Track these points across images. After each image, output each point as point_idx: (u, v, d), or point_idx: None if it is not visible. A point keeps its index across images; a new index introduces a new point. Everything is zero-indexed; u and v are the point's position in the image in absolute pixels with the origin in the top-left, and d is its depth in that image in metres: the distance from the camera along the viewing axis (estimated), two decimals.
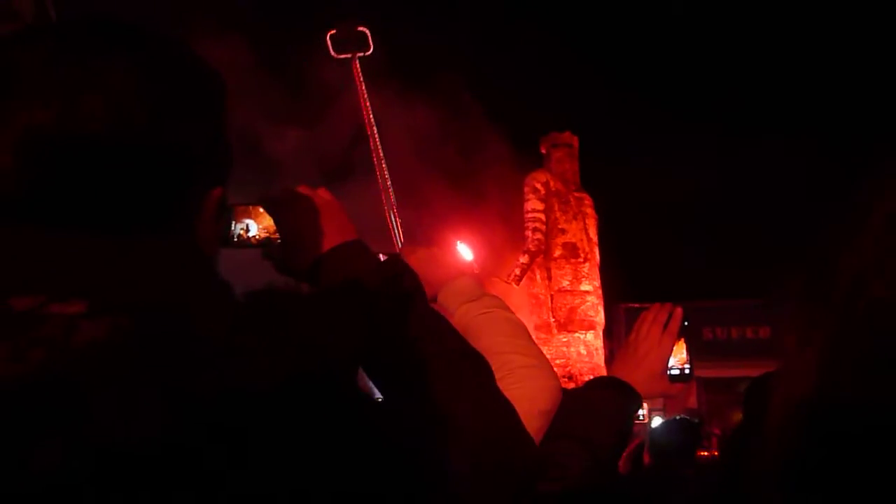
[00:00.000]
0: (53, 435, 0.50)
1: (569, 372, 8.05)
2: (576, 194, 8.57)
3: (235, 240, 0.91)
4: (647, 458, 3.18)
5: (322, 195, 0.96)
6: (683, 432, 3.11)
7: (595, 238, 8.58)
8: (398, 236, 10.55)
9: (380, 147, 10.77)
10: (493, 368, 1.03)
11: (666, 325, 1.31)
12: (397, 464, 0.62)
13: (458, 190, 10.63)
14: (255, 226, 0.93)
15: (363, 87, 10.94)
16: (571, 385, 7.71)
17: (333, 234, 0.94)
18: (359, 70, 11.03)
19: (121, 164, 0.62)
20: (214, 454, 0.53)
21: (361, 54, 11.06)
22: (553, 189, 8.47)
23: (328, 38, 11.03)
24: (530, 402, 1.00)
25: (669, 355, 1.30)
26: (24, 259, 0.59)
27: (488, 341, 1.06)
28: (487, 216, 10.08)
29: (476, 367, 0.89)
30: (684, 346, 1.32)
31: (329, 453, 0.57)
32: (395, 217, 10.48)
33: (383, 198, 10.58)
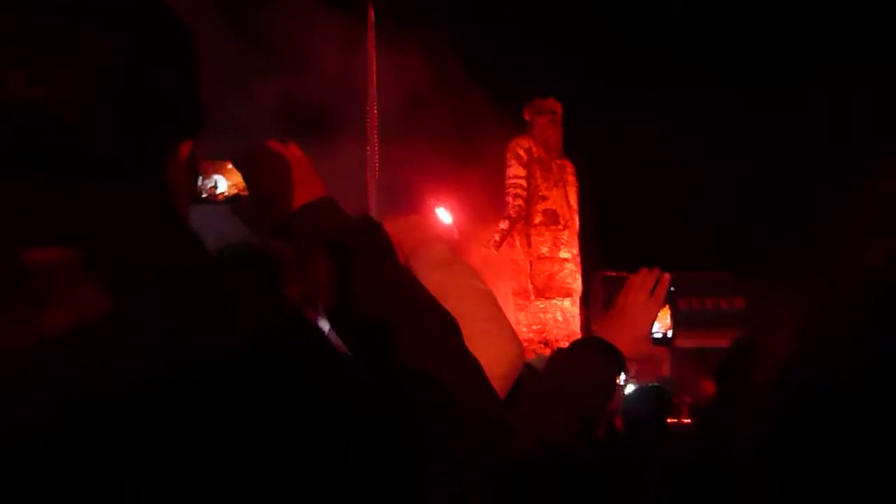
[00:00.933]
0: (48, 392, 0.51)
1: (545, 338, 8.14)
2: (558, 161, 8.58)
3: (204, 195, 0.90)
4: (618, 424, 3.25)
5: (292, 151, 0.95)
6: (655, 401, 3.17)
7: (575, 206, 8.61)
8: (373, 199, 10.48)
9: (375, 104, 10.62)
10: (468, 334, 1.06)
11: (653, 291, 1.34)
12: (369, 420, 0.63)
13: (439, 153, 10.59)
14: (225, 182, 0.91)
15: (373, 36, 10.77)
16: (548, 351, 7.80)
17: (304, 191, 0.93)
18: (372, 20, 10.85)
19: (94, 111, 0.62)
20: (193, 409, 0.53)
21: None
22: (535, 156, 8.46)
23: None
24: (492, 366, 1.01)
25: (654, 320, 1.33)
26: (7, 208, 0.59)
27: (452, 305, 1.08)
28: (468, 181, 10.06)
29: (445, 326, 0.90)
30: (668, 311, 1.35)
31: (303, 409, 0.58)
32: (374, 178, 10.41)
33: (367, 156, 10.48)
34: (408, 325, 0.86)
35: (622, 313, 1.34)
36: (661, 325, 1.35)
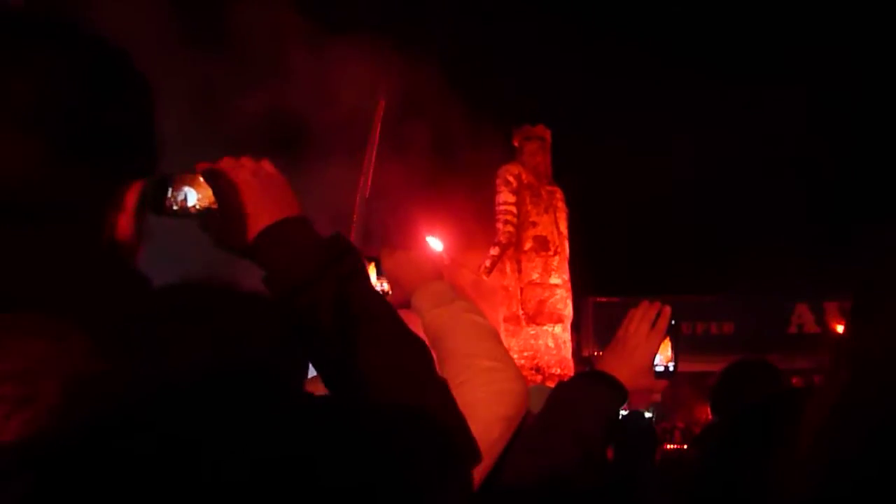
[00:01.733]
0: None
1: (536, 364, 8.12)
2: (547, 187, 8.62)
3: (175, 208, 0.87)
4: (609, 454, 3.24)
5: (265, 167, 0.92)
6: (637, 430, 3.18)
7: (565, 232, 8.64)
8: (360, 223, 10.44)
9: (378, 135, 10.58)
10: (458, 371, 1.02)
11: (654, 323, 1.34)
12: (320, 452, 0.61)
13: (429, 180, 10.63)
14: (195, 194, 0.88)
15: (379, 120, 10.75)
16: (539, 378, 7.77)
17: (275, 209, 0.89)
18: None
19: (41, 149, 0.61)
20: (129, 449, 0.52)
21: None
22: (525, 182, 8.50)
23: None
24: (494, 406, 0.99)
25: (656, 352, 1.34)
26: None
27: (454, 343, 1.06)
28: (458, 207, 10.09)
29: (414, 352, 0.87)
30: (669, 343, 1.36)
31: (243, 444, 0.55)
32: (363, 204, 10.39)
33: (360, 183, 10.45)
34: (375, 350, 0.84)
35: (623, 346, 1.34)
36: (663, 358, 1.35)
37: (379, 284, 1.20)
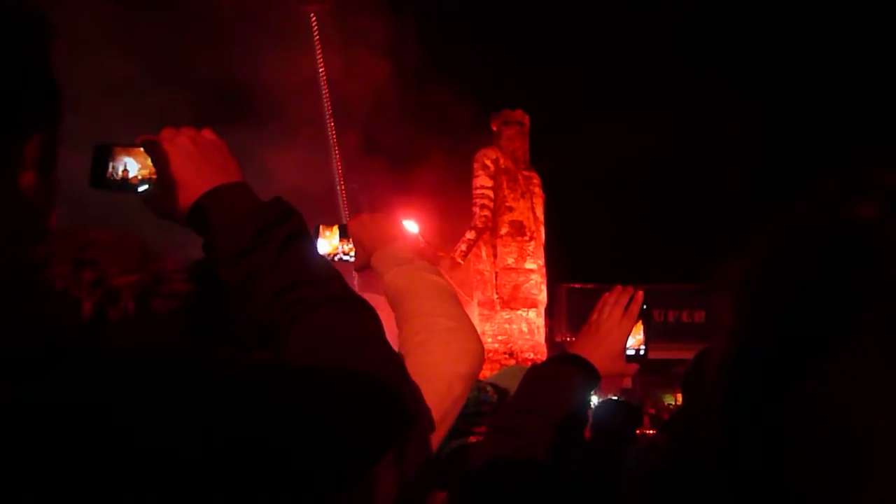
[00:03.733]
0: None
1: (510, 349, 8.16)
2: (524, 172, 8.63)
3: (115, 180, 0.86)
4: (587, 435, 3.26)
5: (205, 135, 0.91)
6: (624, 414, 3.21)
7: (541, 217, 8.66)
8: (343, 205, 10.42)
9: (330, 108, 10.56)
10: (417, 330, 1.02)
11: (626, 308, 1.36)
12: (264, 418, 0.60)
13: (406, 164, 10.60)
14: (136, 165, 0.87)
15: (319, 44, 10.73)
16: (512, 362, 7.82)
17: (214, 176, 0.88)
18: (315, 25, 10.83)
19: None
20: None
21: (320, 6, 10.90)
22: (502, 166, 8.50)
23: None
24: (452, 365, 1.00)
25: (628, 336, 1.36)
26: None
27: (413, 303, 1.06)
28: (435, 191, 10.08)
29: (358, 315, 0.85)
30: (641, 328, 1.38)
31: (146, 409, 0.55)
32: (340, 185, 10.36)
33: (333, 164, 10.41)
34: (317, 314, 0.82)
35: (596, 330, 1.36)
36: (635, 342, 1.38)
37: (341, 246, 1.22)
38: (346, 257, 1.24)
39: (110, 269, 0.59)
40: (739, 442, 0.38)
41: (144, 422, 0.54)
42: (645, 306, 1.39)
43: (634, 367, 1.39)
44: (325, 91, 10.61)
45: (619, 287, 1.39)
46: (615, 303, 1.37)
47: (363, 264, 1.20)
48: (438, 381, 0.95)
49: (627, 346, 1.36)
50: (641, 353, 1.38)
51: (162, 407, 0.55)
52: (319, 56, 10.68)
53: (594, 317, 1.37)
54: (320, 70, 10.64)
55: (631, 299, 1.37)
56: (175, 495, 0.54)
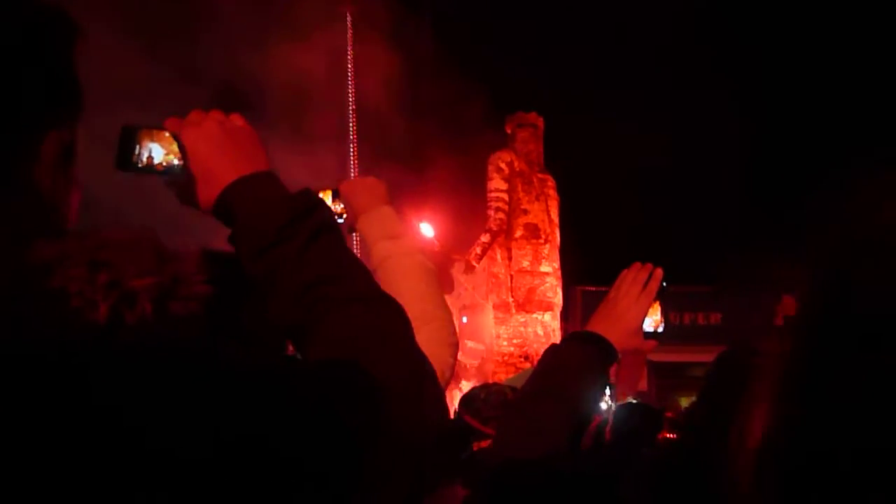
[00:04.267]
0: None
1: (525, 352, 8.14)
2: (539, 175, 8.61)
3: (140, 164, 0.83)
4: (608, 437, 3.25)
5: (234, 120, 0.88)
6: (646, 417, 3.19)
7: (556, 220, 8.64)
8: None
9: (354, 108, 10.56)
10: (415, 315, 0.96)
11: (645, 285, 1.34)
12: (294, 423, 0.60)
13: (420, 166, 10.60)
14: (161, 150, 0.84)
15: (351, 43, 10.75)
16: (528, 365, 7.80)
17: (242, 164, 0.85)
18: (350, 22, 10.86)
19: None
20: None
21: (354, 6, 10.95)
22: (517, 169, 8.49)
23: None
24: (441, 354, 0.99)
25: (646, 313, 1.34)
26: None
27: (406, 284, 1.04)
28: (450, 193, 10.07)
29: (386, 312, 0.82)
30: (659, 307, 1.36)
31: (165, 413, 0.54)
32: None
33: (350, 161, 10.42)
34: (345, 313, 0.79)
35: (614, 306, 1.34)
36: (652, 321, 1.36)
37: (334, 207, 1.22)
38: (339, 220, 1.23)
39: (127, 271, 0.59)
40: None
41: (156, 423, 0.54)
42: (664, 284, 1.37)
43: (652, 343, 1.37)
44: (351, 91, 10.59)
45: (637, 263, 1.37)
46: (634, 279, 1.35)
47: (351, 225, 1.23)
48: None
49: (645, 324, 1.35)
50: (660, 330, 1.37)
51: (174, 409, 0.55)
52: (350, 56, 10.68)
53: (612, 293, 1.35)
54: (349, 69, 10.64)
55: (650, 276, 1.36)
56: (187, 496, 0.54)
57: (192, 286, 0.63)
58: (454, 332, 1.08)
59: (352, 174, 10.18)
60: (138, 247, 0.63)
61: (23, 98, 0.63)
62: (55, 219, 0.66)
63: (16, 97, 0.62)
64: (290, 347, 0.85)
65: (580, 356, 1.28)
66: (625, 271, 1.37)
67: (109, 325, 0.56)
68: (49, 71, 0.65)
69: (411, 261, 1.12)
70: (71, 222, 0.69)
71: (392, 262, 1.11)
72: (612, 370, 1.35)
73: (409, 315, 0.91)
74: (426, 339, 0.99)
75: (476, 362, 9.56)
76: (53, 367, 0.53)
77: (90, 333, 0.55)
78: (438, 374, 0.93)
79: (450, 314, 1.10)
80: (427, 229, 10.18)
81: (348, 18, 10.79)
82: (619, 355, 1.30)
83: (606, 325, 1.32)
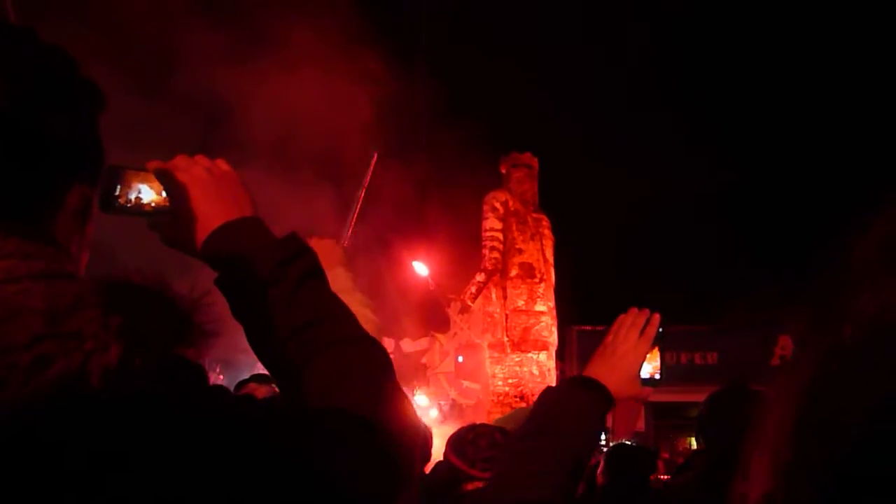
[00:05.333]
0: None
1: (521, 392, 8.09)
2: (534, 215, 8.66)
3: (128, 205, 0.84)
4: (600, 480, 3.21)
5: (220, 165, 0.90)
6: (639, 459, 3.15)
7: (551, 259, 8.66)
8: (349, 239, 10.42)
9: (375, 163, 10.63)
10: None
11: (643, 331, 1.32)
12: (272, 465, 0.61)
13: (416, 206, 10.66)
14: (150, 192, 0.84)
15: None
16: (523, 405, 7.73)
17: (228, 209, 0.86)
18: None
19: None
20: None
21: None
22: (512, 209, 8.54)
23: None
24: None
25: (644, 359, 1.32)
26: None
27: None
28: (445, 233, 10.11)
29: (368, 355, 0.84)
30: (658, 353, 1.34)
31: (174, 462, 0.56)
32: (351, 226, 10.39)
33: (358, 203, 10.45)
34: (326, 351, 0.81)
35: (612, 353, 1.31)
36: (651, 367, 1.34)
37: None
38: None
39: (138, 315, 0.60)
40: None
41: (161, 470, 0.56)
42: (661, 329, 1.35)
43: (649, 390, 1.35)
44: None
45: (634, 309, 1.36)
46: (631, 325, 1.33)
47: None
48: None
49: (643, 370, 1.33)
50: (657, 377, 1.34)
51: (180, 455, 0.57)
52: None
53: (609, 338, 1.33)
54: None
55: (647, 322, 1.34)
56: None
57: (202, 330, 0.65)
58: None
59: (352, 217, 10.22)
60: (151, 291, 0.65)
61: (61, 151, 0.67)
62: (71, 266, 0.68)
63: (56, 149, 0.67)
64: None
65: (578, 402, 1.26)
66: (622, 316, 1.35)
67: (120, 367, 0.57)
68: (83, 130, 0.70)
69: (360, 314, 1.17)
70: (80, 271, 0.72)
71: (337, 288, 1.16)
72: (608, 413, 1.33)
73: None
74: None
75: (472, 402, 9.49)
76: (63, 405, 0.55)
77: (101, 375, 0.56)
78: None
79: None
80: (422, 268, 10.19)
81: None
82: (616, 402, 1.28)
83: (604, 371, 1.30)
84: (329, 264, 1.18)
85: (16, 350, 0.54)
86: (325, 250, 1.20)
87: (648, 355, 1.33)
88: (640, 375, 1.32)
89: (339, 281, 1.16)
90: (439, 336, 10.78)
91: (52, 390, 0.54)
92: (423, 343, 11.33)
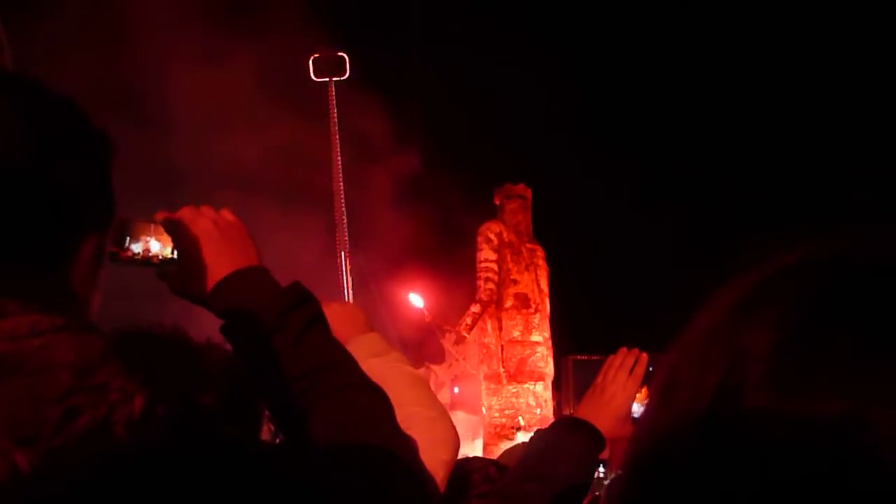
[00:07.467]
0: None
1: (517, 423, 8.04)
2: (528, 245, 8.69)
3: (137, 257, 0.86)
4: None
5: (225, 216, 0.92)
6: None
7: (546, 289, 8.67)
8: (346, 277, 10.45)
9: (341, 178, 10.71)
10: (400, 419, 1.00)
11: (632, 370, 1.35)
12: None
13: (410, 238, 10.68)
14: (158, 244, 0.88)
15: (335, 112, 11.00)
16: (520, 435, 7.69)
17: (234, 259, 0.89)
18: (333, 95, 11.14)
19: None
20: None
21: (338, 78, 11.24)
22: (506, 240, 8.57)
23: (311, 61, 11.16)
24: (437, 452, 1.01)
25: (634, 399, 1.34)
26: None
27: (392, 393, 1.08)
28: (440, 265, 10.12)
29: (375, 402, 0.87)
30: (647, 392, 1.35)
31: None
32: (345, 258, 10.41)
33: (337, 236, 10.49)
34: (336, 401, 0.84)
35: (601, 393, 1.34)
36: (641, 406, 1.35)
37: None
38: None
39: (161, 366, 0.62)
40: None
41: None
42: (650, 369, 1.37)
43: None
44: (337, 162, 10.75)
45: (623, 349, 1.38)
46: (620, 365, 1.35)
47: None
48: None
49: (634, 409, 1.34)
50: None
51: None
52: (334, 127, 10.89)
53: (599, 379, 1.36)
54: (334, 140, 10.84)
55: (636, 362, 1.36)
56: None
57: (222, 380, 0.68)
58: (451, 427, 1.10)
59: (342, 251, 10.24)
60: (174, 341, 0.68)
61: (76, 202, 0.69)
62: (84, 313, 0.70)
63: (71, 201, 0.69)
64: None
65: (569, 445, 1.27)
66: (611, 357, 1.38)
67: (143, 417, 0.58)
68: (96, 180, 0.72)
69: (401, 370, 1.16)
70: (92, 313, 0.74)
71: (382, 372, 1.15)
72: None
73: (409, 418, 0.97)
74: (428, 437, 1.03)
75: (469, 434, 9.42)
76: (84, 455, 0.56)
77: (124, 425, 0.58)
78: (433, 469, 0.97)
79: (445, 413, 1.12)
80: (417, 300, 10.18)
81: (331, 91, 11.04)
82: (608, 443, 1.30)
83: (595, 413, 1.32)
84: (358, 330, 1.20)
85: (48, 403, 0.55)
86: (350, 316, 1.22)
87: (638, 394, 1.35)
88: (630, 414, 1.34)
89: (375, 345, 1.17)
90: (434, 367, 10.74)
91: (79, 442, 0.55)
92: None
